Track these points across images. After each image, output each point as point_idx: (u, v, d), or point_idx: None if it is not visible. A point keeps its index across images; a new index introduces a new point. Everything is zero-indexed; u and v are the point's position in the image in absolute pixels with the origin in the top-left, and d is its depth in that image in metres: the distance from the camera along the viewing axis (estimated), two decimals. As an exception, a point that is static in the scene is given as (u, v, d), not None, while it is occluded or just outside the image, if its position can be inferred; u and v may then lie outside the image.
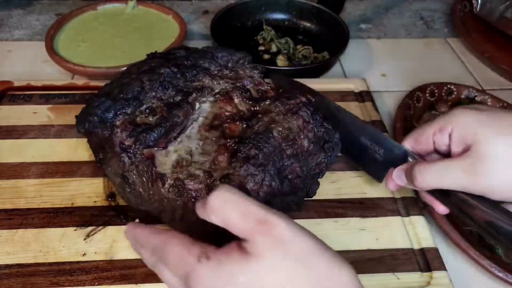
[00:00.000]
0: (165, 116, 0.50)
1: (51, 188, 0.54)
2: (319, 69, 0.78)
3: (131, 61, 0.71)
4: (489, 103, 0.68)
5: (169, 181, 0.46)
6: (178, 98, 0.52)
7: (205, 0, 1.01)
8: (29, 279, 0.45)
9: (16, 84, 0.68)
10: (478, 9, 0.86)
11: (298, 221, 0.51)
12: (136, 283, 0.45)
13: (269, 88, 0.55)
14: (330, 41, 0.86)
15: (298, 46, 0.85)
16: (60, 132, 0.61)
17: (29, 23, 0.91)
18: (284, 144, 0.48)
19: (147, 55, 0.60)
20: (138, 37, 0.79)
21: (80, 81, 0.70)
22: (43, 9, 0.96)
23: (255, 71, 0.57)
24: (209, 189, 0.44)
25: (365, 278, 0.47)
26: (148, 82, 0.52)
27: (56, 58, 0.72)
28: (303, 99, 0.52)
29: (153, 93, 0.52)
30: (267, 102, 0.52)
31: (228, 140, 0.47)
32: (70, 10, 0.85)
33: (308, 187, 0.50)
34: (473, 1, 0.87)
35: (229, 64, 0.58)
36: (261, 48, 0.86)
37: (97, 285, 0.45)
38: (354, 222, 0.52)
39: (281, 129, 0.48)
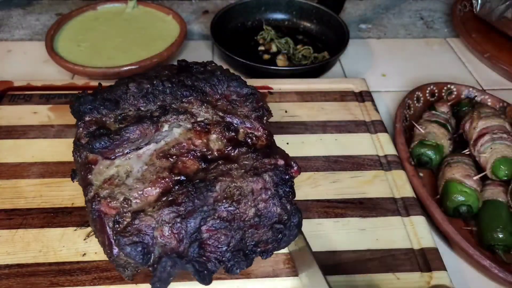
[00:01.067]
0: (120, 128, 0.47)
1: (51, 188, 0.54)
2: (319, 69, 0.78)
3: (131, 61, 0.71)
4: (489, 103, 0.68)
5: (91, 193, 0.44)
6: (156, 114, 0.49)
7: (205, 0, 1.01)
8: (29, 279, 0.45)
9: (16, 84, 0.68)
10: (478, 9, 0.86)
11: (298, 221, 0.51)
12: (136, 283, 0.45)
13: (264, 136, 0.50)
14: (330, 41, 0.86)
15: (298, 46, 0.85)
16: (60, 132, 0.61)
17: (29, 23, 0.91)
18: (221, 203, 0.42)
19: (178, 61, 0.58)
20: (138, 37, 0.79)
21: (80, 81, 0.70)
22: (43, 9, 0.96)
23: (257, 113, 0.52)
24: (120, 216, 0.42)
25: (365, 278, 0.47)
26: (135, 89, 0.51)
27: (56, 58, 0.72)
28: (281, 162, 0.46)
29: (135, 102, 0.50)
30: (243, 150, 0.47)
31: (172, 176, 0.44)
32: (70, 10, 0.85)
33: (229, 263, 0.43)
34: (473, 1, 0.87)
35: (233, 96, 0.53)
36: (261, 48, 0.86)
37: (97, 285, 0.45)
38: (354, 222, 0.52)
39: (230, 185, 0.43)
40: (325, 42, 0.87)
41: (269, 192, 0.44)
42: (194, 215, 0.41)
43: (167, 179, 0.44)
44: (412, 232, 0.51)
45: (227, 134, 0.48)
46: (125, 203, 0.42)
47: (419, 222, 0.52)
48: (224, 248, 0.42)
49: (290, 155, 0.59)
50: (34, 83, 0.68)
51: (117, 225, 0.41)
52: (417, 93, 0.69)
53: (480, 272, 0.51)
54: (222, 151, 0.47)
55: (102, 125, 0.48)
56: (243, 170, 0.44)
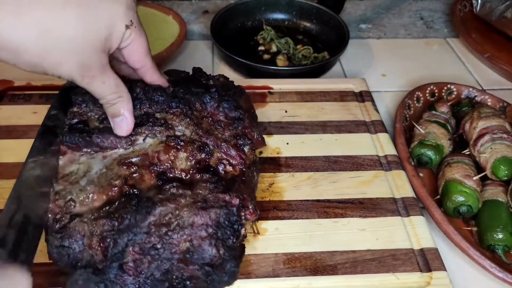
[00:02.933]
0: (97, 128, 0.47)
1: (51, 188, 0.54)
2: (319, 69, 0.78)
3: (131, 61, 0.71)
4: (489, 103, 0.69)
5: (52, 188, 0.44)
6: (136, 121, 0.48)
7: (205, 0, 1.01)
8: (29, 279, 0.45)
9: (16, 83, 0.68)
10: (478, 9, 0.86)
11: (298, 221, 0.52)
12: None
13: (239, 165, 0.48)
14: (330, 41, 0.86)
15: (298, 46, 0.86)
16: (60, 132, 0.61)
17: (29, 23, 0.91)
18: (156, 230, 0.41)
19: (193, 68, 0.58)
20: (138, 37, 0.79)
21: (80, 81, 0.70)
22: (43, 9, 0.96)
23: (236, 140, 0.50)
24: (61, 216, 0.42)
25: (365, 278, 0.47)
26: None
27: (56, 58, 0.72)
28: (235, 201, 0.44)
29: None
30: (205, 178, 0.45)
31: (124, 186, 0.43)
32: (70, 10, 0.85)
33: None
34: (473, 1, 0.87)
35: (221, 117, 0.51)
36: (261, 48, 0.86)
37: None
38: (354, 222, 0.52)
39: (173, 213, 0.42)
40: (325, 42, 0.87)
41: (209, 230, 0.42)
42: (124, 234, 0.40)
43: (117, 189, 0.43)
44: (412, 232, 0.51)
45: (198, 155, 0.47)
46: (69, 203, 0.43)
47: (419, 222, 0.52)
48: (144, 275, 0.40)
49: (290, 155, 0.60)
50: (34, 83, 0.68)
51: (55, 224, 0.42)
52: (417, 93, 0.69)
53: (480, 272, 0.51)
54: (186, 172, 0.46)
55: (85, 120, 0.49)
56: (192, 200, 0.43)
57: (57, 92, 0.66)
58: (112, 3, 0.40)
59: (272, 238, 0.50)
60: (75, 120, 0.49)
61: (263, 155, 0.59)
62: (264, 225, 0.51)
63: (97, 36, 0.39)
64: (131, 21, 0.43)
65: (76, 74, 0.40)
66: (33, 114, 0.63)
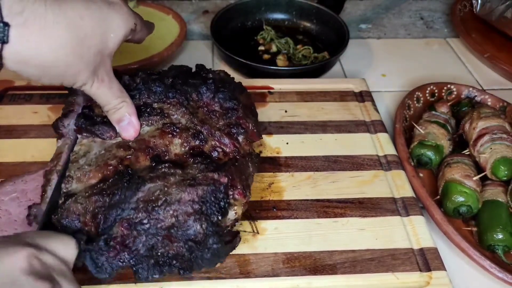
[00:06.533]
0: (99, 118, 0.49)
1: (51, 188, 0.54)
2: (319, 69, 0.78)
3: (131, 61, 0.71)
4: (489, 103, 0.69)
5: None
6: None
7: (205, 0, 1.01)
8: (29, 278, 0.45)
9: (17, 83, 0.68)
10: (478, 9, 0.86)
11: (297, 221, 0.52)
12: (135, 282, 0.45)
13: (233, 153, 0.49)
14: (330, 41, 0.86)
15: (298, 46, 0.86)
16: (60, 131, 0.61)
17: (29, 23, 0.91)
18: (143, 205, 0.42)
19: (196, 65, 0.59)
20: (138, 37, 0.79)
21: (80, 81, 0.70)
22: (44, 9, 0.96)
23: (230, 129, 0.51)
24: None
25: (365, 278, 0.47)
26: (127, 82, 0.52)
27: (56, 58, 0.72)
28: (223, 179, 0.44)
29: None
30: (198, 160, 0.46)
31: (119, 166, 0.45)
32: (70, 10, 0.85)
33: (134, 267, 0.41)
34: (473, 1, 0.87)
35: (216, 107, 0.52)
36: (261, 48, 0.86)
37: (96, 284, 0.45)
38: (354, 222, 0.52)
39: (161, 189, 0.42)
40: (325, 42, 0.87)
41: (195, 207, 0.42)
42: (113, 209, 0.42)
43: (112, 167, 0.45)
44: (412, 231, 0.51)
45: (192, 142, 0.48)
46: (67, 179, 0.44)
47: (418, 222, 0.52)
48: (129, 249, 0.41)
49: (290, 155, 0.60)
50: (34, 83, 0.68)
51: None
52: (417, 93, 0.69)
53: (480, 272, 0.51)
54: (179, 156, 0.47)
55: (90, 105, 0.51)
56: (182, 178, 0.44)
57: (57, 92, 0.67)
58: (117, 12, 0.44)
59: (271, 237, 0.50)
60: (83, 104, 0.51)
61: (263, 155, 0.59)
62: (263, 224, 0.51)
63: (106, 45, 0.43)
64: (134, 23, 0.46)
65: (89, 81, 0.43)
66: (34, 114, 0.63)
